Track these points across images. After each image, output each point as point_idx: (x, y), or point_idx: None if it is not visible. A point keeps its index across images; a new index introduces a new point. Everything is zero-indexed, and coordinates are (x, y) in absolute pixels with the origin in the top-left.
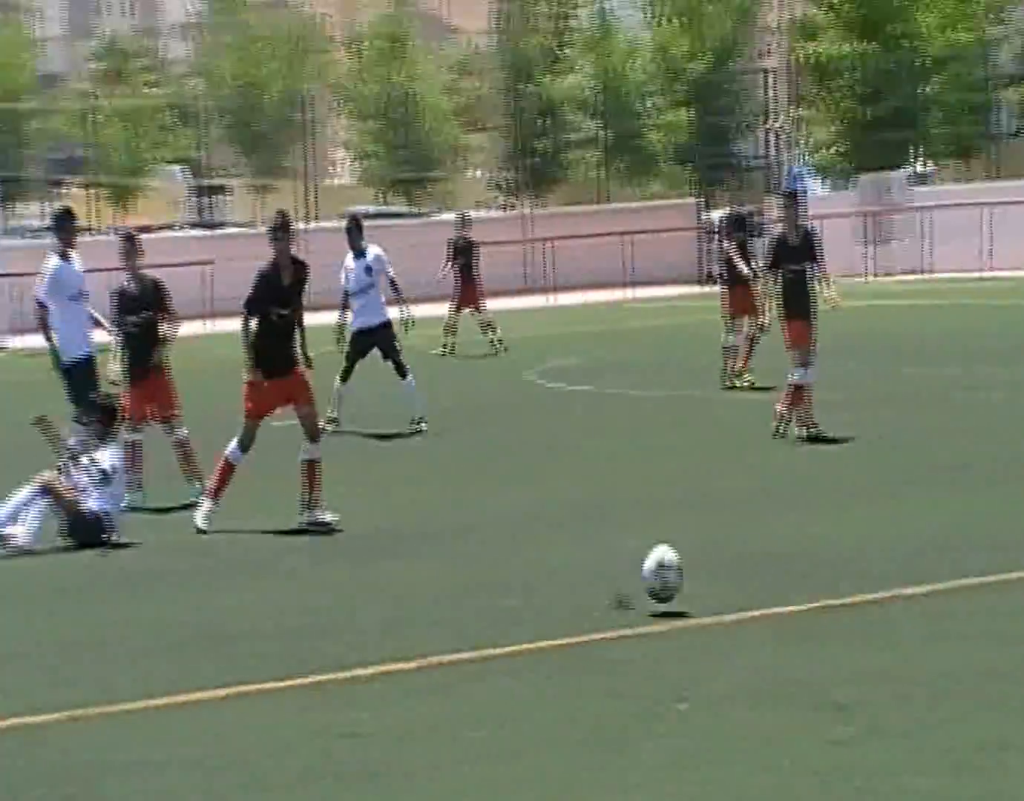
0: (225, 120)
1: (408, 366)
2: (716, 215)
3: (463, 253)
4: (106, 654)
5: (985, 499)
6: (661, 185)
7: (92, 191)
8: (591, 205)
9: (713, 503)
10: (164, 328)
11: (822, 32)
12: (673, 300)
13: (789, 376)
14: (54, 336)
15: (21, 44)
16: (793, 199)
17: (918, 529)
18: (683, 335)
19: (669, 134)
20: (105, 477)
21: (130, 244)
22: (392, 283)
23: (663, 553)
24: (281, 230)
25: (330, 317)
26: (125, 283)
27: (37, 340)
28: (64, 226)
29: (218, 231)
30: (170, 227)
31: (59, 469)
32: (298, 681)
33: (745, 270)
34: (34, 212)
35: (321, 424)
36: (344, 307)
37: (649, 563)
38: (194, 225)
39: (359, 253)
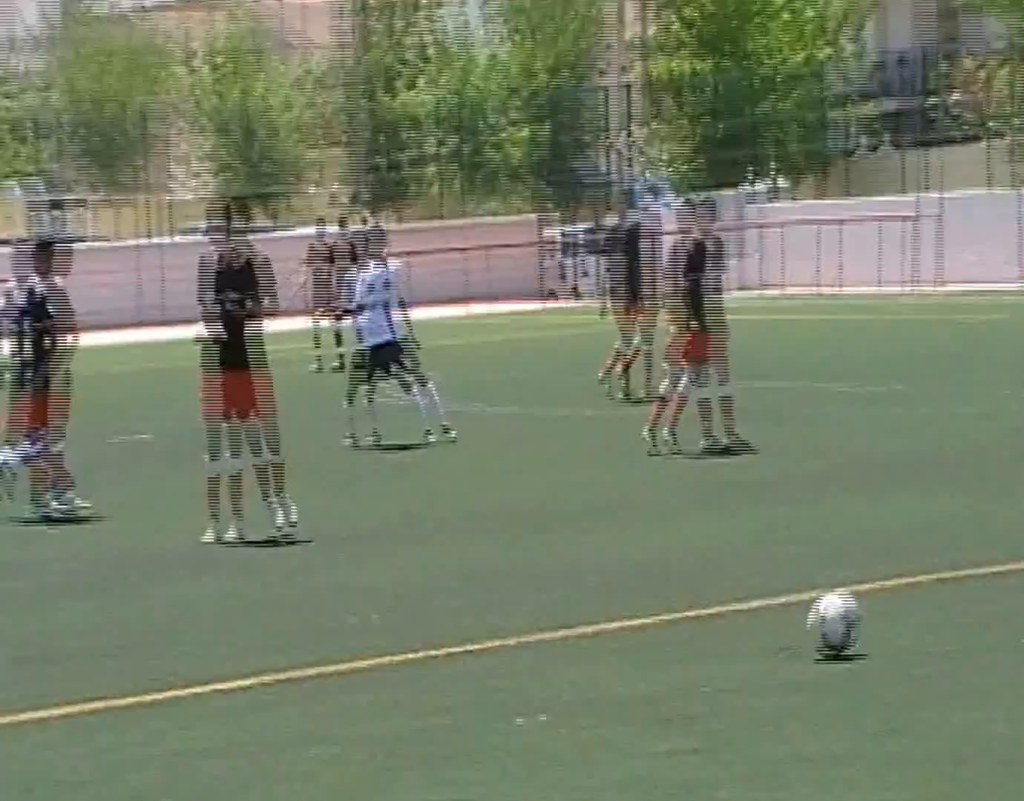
0: (74, 134)
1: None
2: (559, 231)
3: (329, 262)
4: None
5: (809, 512)
6: (505, 201)
7: None
8: (434, 221)
9: (560, 517)
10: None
11: (671, 49)
12: (516, 315)
13: (685, 387)
14: None
15: None
16: (709, 207)
17: (756, 543)
18: (527, 350)
19: (514, 150)
20: None
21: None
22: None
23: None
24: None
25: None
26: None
27: None
28: None
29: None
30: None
31: None
32: (132, 700)
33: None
34: None
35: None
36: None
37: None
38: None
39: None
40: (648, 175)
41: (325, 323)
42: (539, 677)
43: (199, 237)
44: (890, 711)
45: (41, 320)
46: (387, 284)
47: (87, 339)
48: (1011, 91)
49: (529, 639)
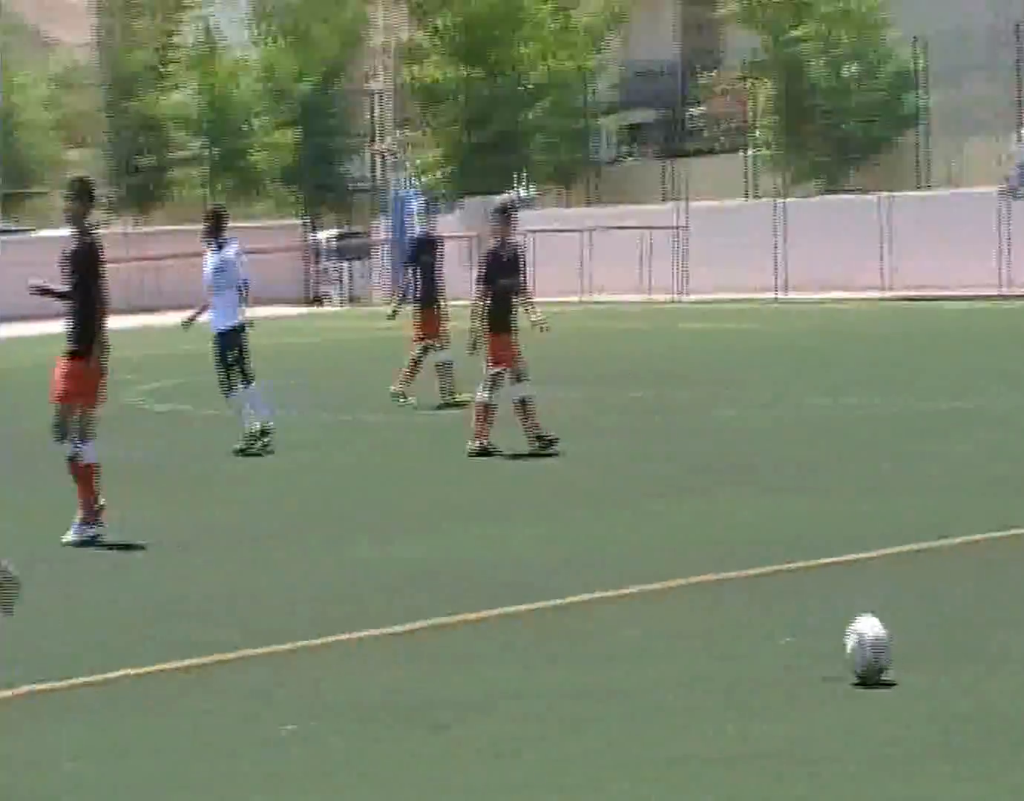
0: None
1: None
2: (323, 235)
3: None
4: None
5: (603, 516)
6: (268, 205)
7: None
8: (195, 224)
9: (350, 521)
10: None
11: (428, 56)
12: (280, 320)
13: (490, 392)
14: None
15: None
16: (507, 214)
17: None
18: (291, 355)
19: (276, 154)
20: None
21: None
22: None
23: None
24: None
25: None
26: None
27: None
28: None
29: None
30: None
31: None
32: None
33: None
34: None
35: None
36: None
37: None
38: None
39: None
40: (415, 181)
41: None
42: (294, 684)
43: None
44: (669, 716)
45: None
46: (232, 266)
47: None
48: (765, 104)
49: (308, 644)
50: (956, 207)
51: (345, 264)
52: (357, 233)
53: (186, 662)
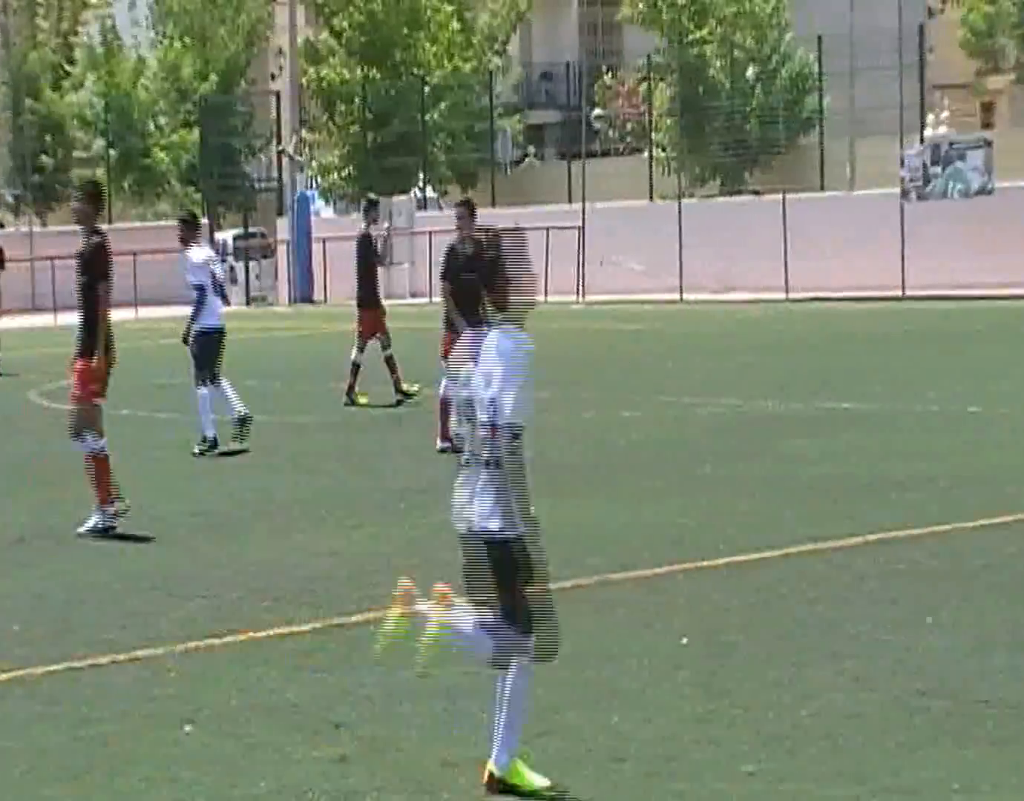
0: None
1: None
2: (222, 236)
3: None
4: None
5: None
6: (169, 205)
7: None
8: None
9: (250, 521)
10: None
11: (329, 57)
12: (184, 320)
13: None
14: None
15: None
16: (468, 208)
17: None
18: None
19: (177, 154)
20: None
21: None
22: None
23: None
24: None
25: None
26: None
27: None
28: None
29: None
30: None
31: None
32: None
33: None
34: None
35: None
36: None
37: None
38: None
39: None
40: (317, 181)
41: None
42: (190, 685)
43: None
44: (546, 713)
45: None
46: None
47: None
48: (665, 106)
49: (196, 644)
50: (856, 208)
51: (244, 264)
52: (256, 233)
53: (52, 667)
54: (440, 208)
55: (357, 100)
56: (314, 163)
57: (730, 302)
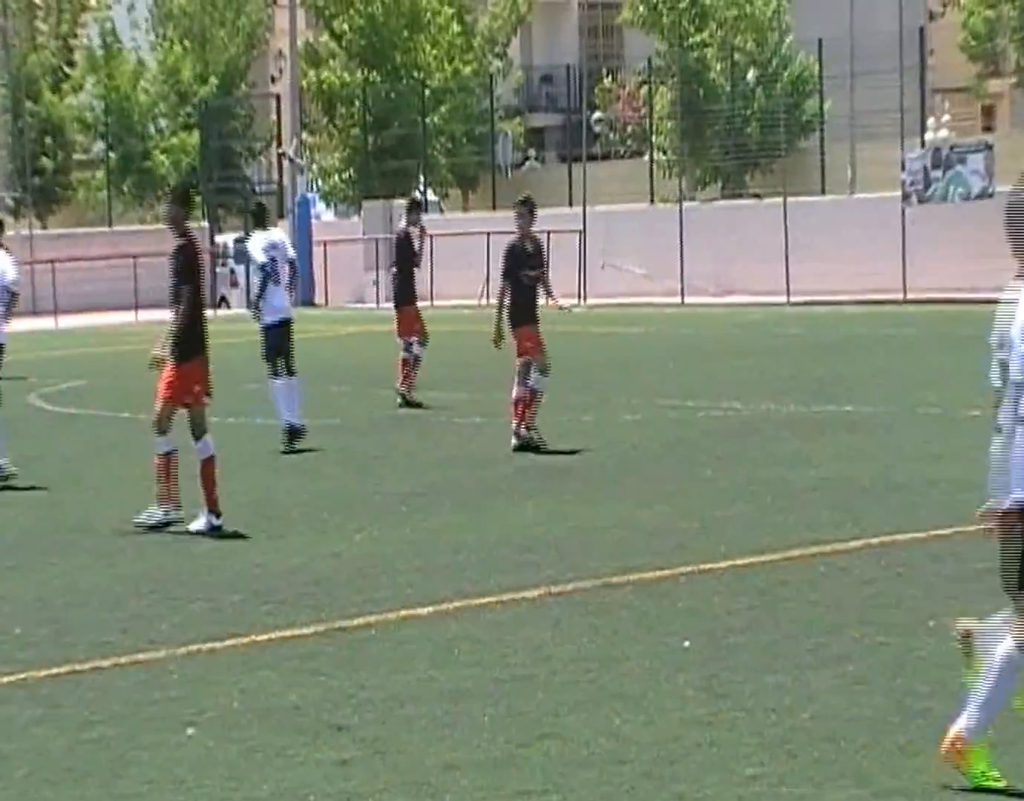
0: None
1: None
2: (222, 239)
3: None
4: None
5: (466, 519)
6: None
7: None
8: (98, 227)
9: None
10: None
11: (329, 60)
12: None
13: (522, 385)
14: None
15: None
16: (528, 207)
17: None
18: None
19: (177, 157)
20: None
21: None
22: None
23: None
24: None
25: None
26: None
27: None
28: None
29: None
30: None
31: None
32: None
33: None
34: None
35: None
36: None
37: None
38: None
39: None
40: (317, 184)
41: None
42: (191, 688)
43: None
44: (547, 716)
45: None
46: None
47: None
48: (666, 109)
49: (182, 651)
50: (857, 212)
51: (245, 267)
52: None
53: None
54: (441, 211)
55: (357, 103)
56: (314, 166)
57: (731, 305)
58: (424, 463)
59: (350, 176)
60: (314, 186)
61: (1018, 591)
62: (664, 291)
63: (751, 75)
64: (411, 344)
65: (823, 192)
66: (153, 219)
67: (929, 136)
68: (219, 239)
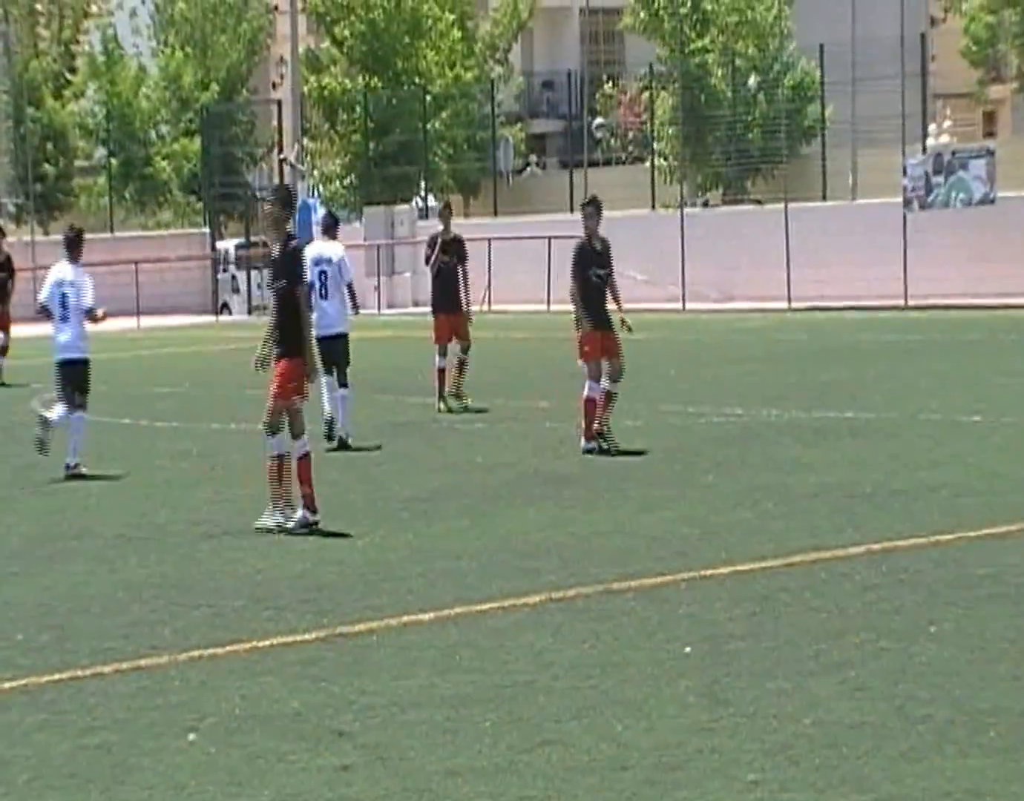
0: None
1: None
2: (223, 245)
3: None
4: None
5: (467, 525)
6: (171, 214)
7: None
8: (99, 233)
9: (234, 531)
10: None
11: (330, 66)
12: (186, 329)
13: (594, 386)
14: None
15: None
16: (596, 207)
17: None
18: (196, 365)
19: (179, 163)
20: None
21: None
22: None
23: None
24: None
25: None
26: None
27: None
28: None
29: None
30: None
31: None
32: None
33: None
34: None
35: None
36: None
37: None
38: None
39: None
40: (318, 190)
41: None
42: (193, 693)
43: None
44: (548, 722)
45: None
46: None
47: None
48: (667, 115)
49: (185, 657)
50: (858, 217)
51: (246, 273)
52: (258, 242)
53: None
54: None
55: (358, 109)
56: (316, 172)
57: (732, 311)
58: (426, 469)
59: (351, 182)
60: (315, 192)
61: None
62: (665, 297)
63: (752, 81)
64: (446, 350)
65: (824, 198)
66: (155, 225)
67: (931, 142)
68: (220, 245)
